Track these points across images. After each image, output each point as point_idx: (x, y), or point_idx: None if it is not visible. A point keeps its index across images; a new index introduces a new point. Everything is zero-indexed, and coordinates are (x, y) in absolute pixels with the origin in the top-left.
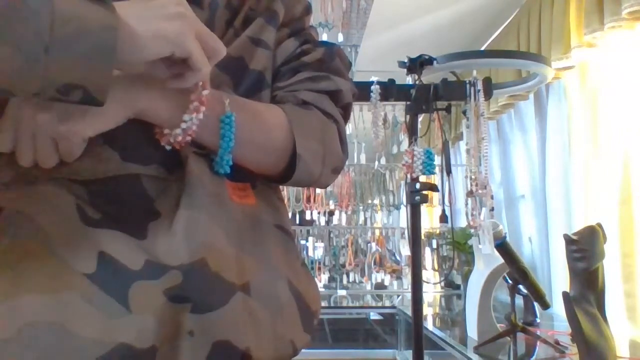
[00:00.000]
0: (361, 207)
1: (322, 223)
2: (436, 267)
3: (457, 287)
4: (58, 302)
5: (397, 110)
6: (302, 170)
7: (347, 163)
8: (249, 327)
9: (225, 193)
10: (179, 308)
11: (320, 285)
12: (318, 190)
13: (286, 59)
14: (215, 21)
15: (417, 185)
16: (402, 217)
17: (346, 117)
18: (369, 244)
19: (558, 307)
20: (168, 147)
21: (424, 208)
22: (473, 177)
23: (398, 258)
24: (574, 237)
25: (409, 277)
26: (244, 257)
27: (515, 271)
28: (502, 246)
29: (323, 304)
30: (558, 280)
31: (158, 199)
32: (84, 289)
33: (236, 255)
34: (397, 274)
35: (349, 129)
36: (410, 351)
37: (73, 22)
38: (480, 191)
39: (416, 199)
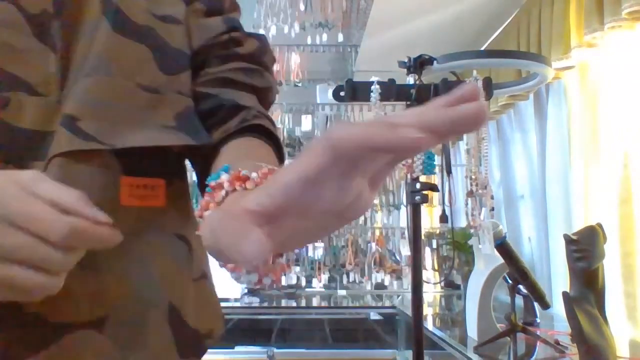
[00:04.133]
0: None
1: None
2: (436, 267)
3: (457, 287)
4: None
5: (397, 110)
6: None
7: None
8: None
9: (113, 195)
10: None
11: (320, 285)
12: None
13: (211, 41)
14: None
15: (417, 185)
16: (402, 217)
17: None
18: (369, 244)
19: (558, 307)
20: None
21: (424, 208)
22: (473, 177)
23: (398, 258)
24: (574, 237)
25: (409, 277)
26: (112, 283)
27: (515, 271)
28: (502, 246)
29: (323, 303)
30: (558, 280)
31: None
32: None
33: (97, 284)
34: (397, 274)
35: None
36: (410, 351)
37: None
38: (480, 191)
39: (416, 199)
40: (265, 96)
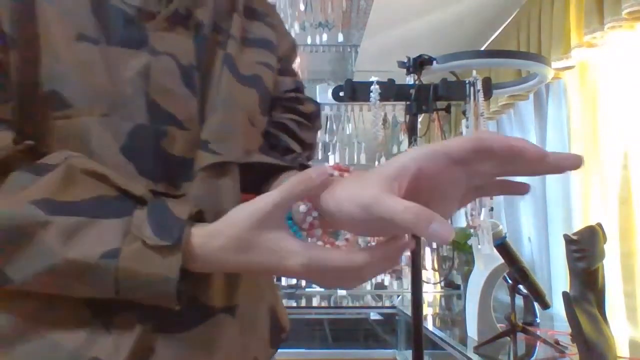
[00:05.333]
0: None
1: None
2: (436, 267)
3: (457, 287)
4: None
5: (397, 110)
6: None
7: (347, 163)
8: (217, 347)
9: None
10: (149, 327)
11: None
12: None
13: (281, 94)
14: (205, 42)
15: None
16: None
17: None
18: (368, 244)
19: (558, 307)
20: None
21: None
22: None
23: None
24: (574, 237)
25: (409, 277)
26: (237, 282)
27: (515, 271)
28: (502, 246)
29: (323, 303)
30: (558, 280)
31: None
32: (82, 312)
33: (229, 280)
34: (397, 274)
35: (348, 128)
36: (410, 351)
37: (134, 279)
38: None
39: None
40: (309, 152)
